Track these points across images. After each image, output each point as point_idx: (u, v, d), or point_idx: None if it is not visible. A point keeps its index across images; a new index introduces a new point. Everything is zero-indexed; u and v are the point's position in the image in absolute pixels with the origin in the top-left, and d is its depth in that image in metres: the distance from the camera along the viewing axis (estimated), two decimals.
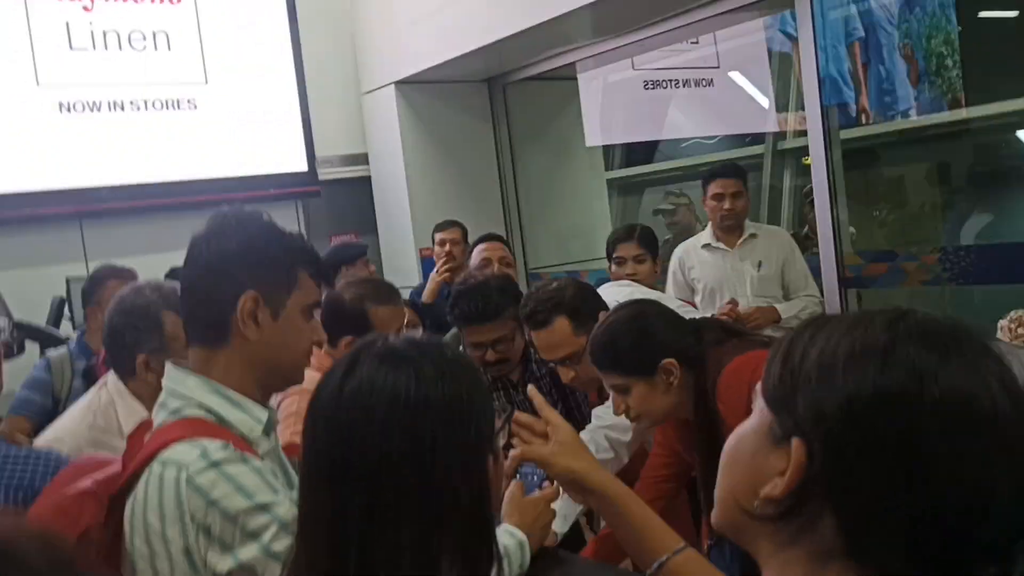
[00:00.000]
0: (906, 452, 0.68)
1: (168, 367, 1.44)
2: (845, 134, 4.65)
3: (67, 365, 3.03)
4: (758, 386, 0.79)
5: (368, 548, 0.88)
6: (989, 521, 0.67)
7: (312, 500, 0.94)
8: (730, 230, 3.90)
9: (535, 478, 1.70)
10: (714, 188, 3.89)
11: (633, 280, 3.28)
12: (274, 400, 1.53)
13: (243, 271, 1.40)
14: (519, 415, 1.41)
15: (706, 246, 3.97)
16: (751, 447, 0.77)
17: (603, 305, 2.33)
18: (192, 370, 1.42)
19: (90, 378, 2.73)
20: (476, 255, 4.04)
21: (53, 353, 3.17)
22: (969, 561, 0.68)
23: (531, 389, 1.51)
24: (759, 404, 0.78)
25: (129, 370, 2.07)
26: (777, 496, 0.72)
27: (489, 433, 0.98)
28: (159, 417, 1.40)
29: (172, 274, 4.47)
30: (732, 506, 0.78)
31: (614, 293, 2.68)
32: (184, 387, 1.39)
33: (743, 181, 3.96)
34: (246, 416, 1.39)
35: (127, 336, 2.05)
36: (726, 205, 3.85)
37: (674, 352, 1.91)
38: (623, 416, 2.00)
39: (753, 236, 3.92)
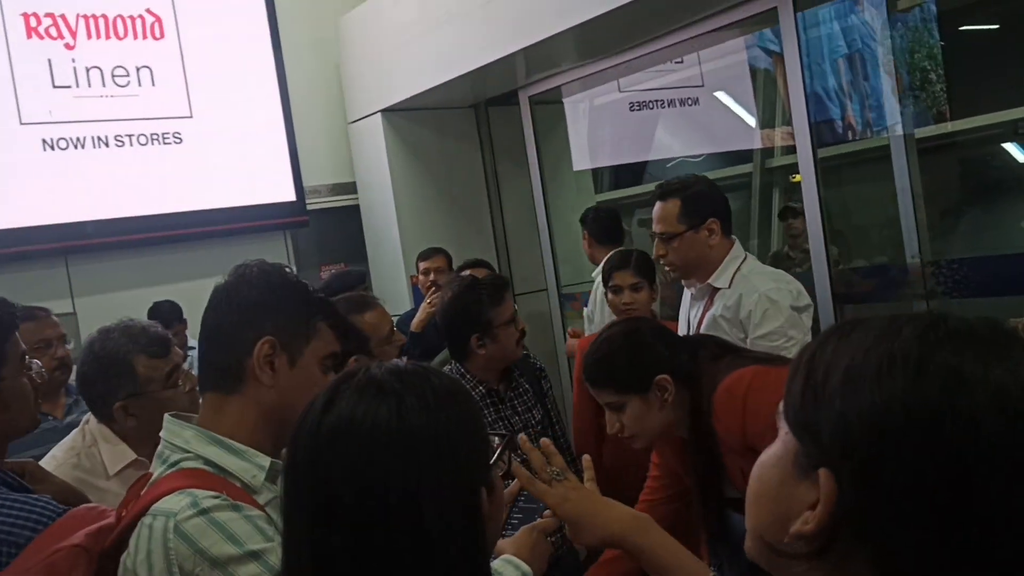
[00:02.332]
0: (948, 475, 0.60)
1: (166, 420, 1.41)
2: (832, 151, 4.66)
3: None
4: (780, 406, 0.71)
5: None
6: None
7: (294, 545, 0.89)
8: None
9: (535, 512, 1.65)
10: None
11: (630, 309, 3.18)
12: None
13: (262, 317, 1.38)
14: None
15: None
16: (777, 478, 0.70)
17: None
18: (201, 418, 1.40)
19: None
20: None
21: None
22: None
23: (516, 467, 1.47)
24: (783, 428, 0.71)
25: (107, 416, 2.04)
26: (809, 532, 0.65)
27: (481, 465, 0.93)
28: (157, 470, 1.37)
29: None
30: (762, 543, 0.71)
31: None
32: (181, 439, 1.36)
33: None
34: (246, 463, 1.36)
35: (99, 386, 2.02)
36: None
37: (668, 368, 1.89)
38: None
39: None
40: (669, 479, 2.20)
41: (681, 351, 1.95)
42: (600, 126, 5.43)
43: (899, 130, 4.39)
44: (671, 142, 5.59)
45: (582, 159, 5.66)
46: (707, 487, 1.91)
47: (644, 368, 1.89)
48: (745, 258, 2.62)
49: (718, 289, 2.58)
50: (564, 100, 5.43)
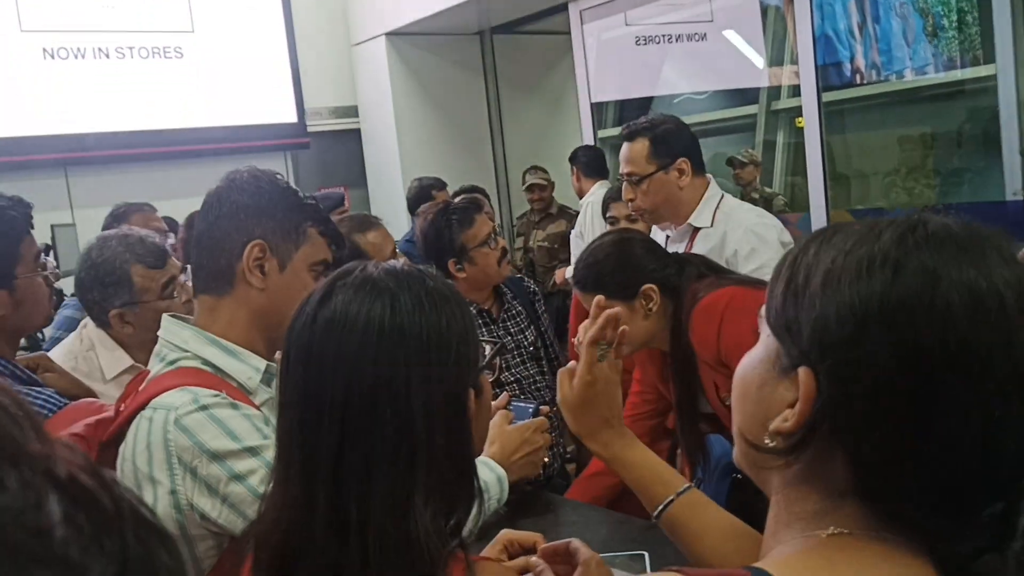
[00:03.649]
0: (919, 372, 0.62)
1: (165, 319, 1.43)
2: (840, 94, 4.62)
3: None
4: (762, 310, 0.73)
5: (339, 485, 0.85)
6: (1002, 450, 0.62)
7: (285, 434, 0.91)
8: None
9: (524, 416, 1.68)
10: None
11: None
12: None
13: (252, 221, 1.39)
14: None
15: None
16: (758, 379, 0.71)
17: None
18: (196, 320, 1.42)
19: None
20: None
21: None
22: (979, 497, 0.64)
23: None
24: (764, 331, 0.72)
25: (104, 323, 2.06)
26: (788, 430, 0.66)
27: (471, 366, 0.94)
28: (155, 367, 1.39)
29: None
30: (744, 442, 0.73)
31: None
32: (179, 339, 1.39)
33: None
34: (243, 365, 1.38)
35: (95, 292, 2.03)
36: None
37: (655, 280, 1.93)
38: None
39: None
40: (650, 394, 2.25)
41: (669, 265, 1.98)
42: (606, 61, 5.35)
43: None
44: (677, 78, 5.53)
45: (587, 93, 5.57)
46: (685, 399, 1.96)
47: (631, 276, 1.93)
48: (723, 196, 2.54)
49: (699, 229, 2.51)
50: (572, 32, 5.33)
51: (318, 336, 0.89)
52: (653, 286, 1.92)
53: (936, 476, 0.64)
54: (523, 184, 5.35)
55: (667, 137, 2.50)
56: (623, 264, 1.96)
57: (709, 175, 2.56)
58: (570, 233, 4.92)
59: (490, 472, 1.53)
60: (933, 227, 0.66)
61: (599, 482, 2.11)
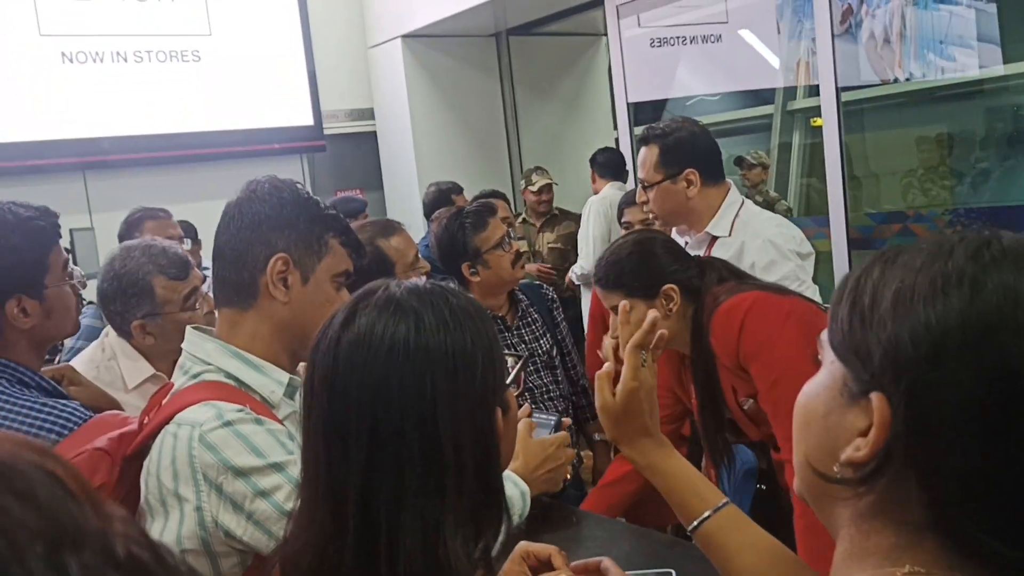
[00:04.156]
0: (1005, 395, 0.58)
1: (188, 331, 1.43)
2: (858, 94, 4.58)
3: None
4: (823, 335, 0.69)
5: (367, 509, 0.84)
6: None
7: (312, 459, 0.90)
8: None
9: (545, 429, 1.68)
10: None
11: None
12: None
13: (274, 234, 1.38)
14: None
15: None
16: (823, 406, 0.68)
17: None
18: (218, 333, 1.41)
19: None
20: None
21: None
22: None
23: None
24: (827, 357, 0.68)
25: (126, 333, 2.07)
26: (861, 459, 0.63)
27: (498, 385, 0.92)
28: (178, 381, 1.39)
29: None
30: (810, 473, 0.69)
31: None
32: (203, 352, 1.38)
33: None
34: (266, 379, 1.38)
35: (117, 303, 2.04)
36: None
37: (676, 280, 1.93)
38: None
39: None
40: (666, 399, 2.24)
41: (691, 267, 1.98)
42: (644, 59, 5.22)
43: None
44: (692, 80, 5.49)
45: (622, 91, 5.42)
46: (706, 404, 1.95)
47: (652, 275, 1.94)
48: (743, 203, 2.51)
49: (717, 237, 2.47)
50: (608, 32, 5.17)
51: (342, 359, 0.89)
52: (674, 286, 1.92)
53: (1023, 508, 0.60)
54: (530, 185, 5.15)
55: (678, 146, 2.46)
56: (645, 263, 1.96)
57: (729, 181, 2.54)
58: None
59: (514, 487, 1.52)
60: (1008, 242, 0.63)
61: (615, 491, 2.11)
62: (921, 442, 0.61)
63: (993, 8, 3.71)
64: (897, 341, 0.62)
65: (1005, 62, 4.16)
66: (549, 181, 5.18)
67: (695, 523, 1.12)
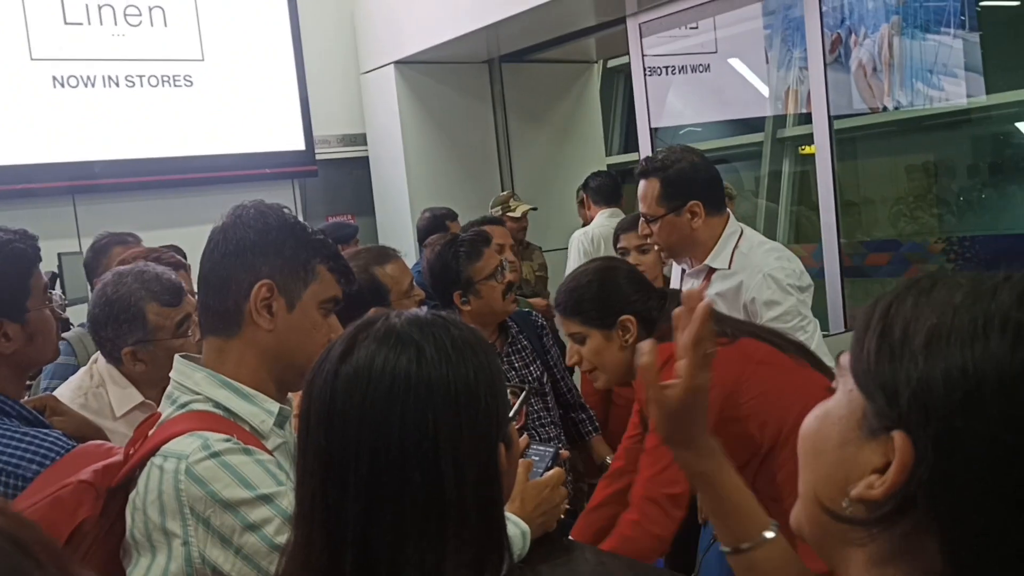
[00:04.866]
0: None
1: (177, 360, 1.40)
2: (848, 123, 4.61)
3: (88, 341, 2.91)
4: (843, 359, 0.66)
5: (366, 548, 0.82)
6: None
7: (308, 493, 0.87)
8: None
9: (544, 461, 1.65)
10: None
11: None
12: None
13: (259, 259, 1.36)
14: None
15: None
16: (837, 436, 0.64)
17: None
18: (205, 361, 1.39)
19: None
20: None
21: (70, 334, 3.02)
22: None
23: None
24: (847, 385, 0.65)
25: (116, 359, 2.04)
26: (875, 498, 0.60)
27: (501, 420, 0.90)
28: (166, 410, 1.36)
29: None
30: (815, 505, 0.66)
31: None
32: (192, 381, 1.36)
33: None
34: (257, 408, 1.35)
35: (109, 329, 2.01)
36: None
37: (635, 311, 1.93)
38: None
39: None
40: (636, 419, 2.23)
41: (651, 298, 1.98)
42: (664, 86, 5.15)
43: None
44: (683, 108, 5.51)
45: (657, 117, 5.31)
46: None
47: (612, 304, 1.95)
48: (742, 233, 2.48)
49: (716, 269, 2.46)
50: (630, 56, 5.06)
51: (340, 393, 0.86)
52: (631, 317, 1.92)
53: None
54: (510, 212, 4.95)
55: (680, 179, 2.43)
56: (605, 291, 1.97)
57: (728, 211, 2.52)
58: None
59: (515, 527, 1.49)
60: None
61: (602, 514, 2.08)
62: (946, 491, 0.58)
63: (976, 38, 3.74)
64: (929, 382, 0.59)
65: (988, 92, 4.20)
66: (529, 207, 5.05)
67: (743, 546, 1.04)
